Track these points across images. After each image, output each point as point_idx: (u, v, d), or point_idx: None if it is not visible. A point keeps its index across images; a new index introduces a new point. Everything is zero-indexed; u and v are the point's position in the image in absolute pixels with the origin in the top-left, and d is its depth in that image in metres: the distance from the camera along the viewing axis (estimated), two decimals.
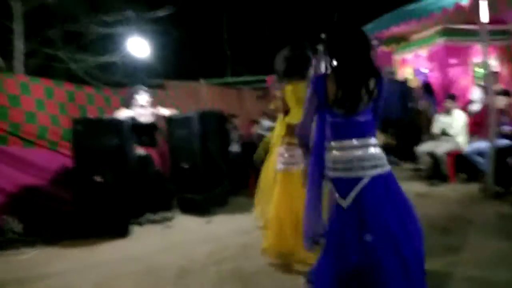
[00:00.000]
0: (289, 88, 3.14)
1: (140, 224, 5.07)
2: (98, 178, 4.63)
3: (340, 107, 2.18)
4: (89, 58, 7.51)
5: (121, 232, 4.64)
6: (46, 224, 4.89)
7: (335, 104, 2.18)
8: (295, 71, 3.16)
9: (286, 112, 3.23)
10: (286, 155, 3.25)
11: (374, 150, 2.20)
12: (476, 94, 6.57)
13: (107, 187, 4.63)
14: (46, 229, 4.74)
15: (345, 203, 2.15)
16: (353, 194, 2.13)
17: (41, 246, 4.36)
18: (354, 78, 2.16)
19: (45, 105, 5.43)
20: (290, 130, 3.17)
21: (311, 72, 3.17)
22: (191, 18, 14.79)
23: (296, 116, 3.09)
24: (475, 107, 6.50)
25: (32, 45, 6.93)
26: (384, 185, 2.16)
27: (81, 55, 7.52)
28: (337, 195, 2.18)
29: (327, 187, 2.30)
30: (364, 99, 2.16)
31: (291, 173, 3.20)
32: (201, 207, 5.39)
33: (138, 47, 7.30)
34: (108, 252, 4.13)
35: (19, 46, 6.78)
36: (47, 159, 5.28)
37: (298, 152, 2.99)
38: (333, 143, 2.24)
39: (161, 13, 7.40)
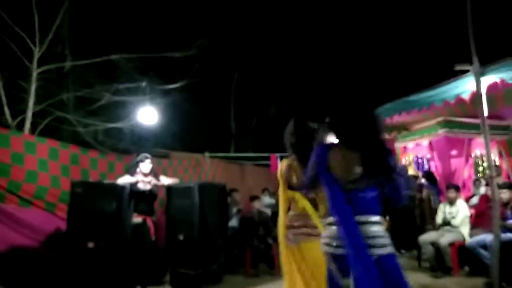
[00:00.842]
0: (295, 164, 2.91)
1: None
2: (90, 244, 4.49)
3: (350, 182, 2.13)
4: (98, 123, 7.66)
5: None
6: (33, 286, 4.67)
7: (344, 178, 2.14)
8: (305, 145, 2.85)
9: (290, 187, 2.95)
10: (300, 225, 2.87)
11: (378, 228, 2.11)
12: (481, 185, 6.58)
13: (99, 254, 4.48)
14: None
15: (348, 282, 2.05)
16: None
17: None
18: (374, 156, 2.13)
19: (48, 166, 5.43)
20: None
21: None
22: (201, 94, 15.34)
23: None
24: (476, 199, 6.48)
25: (43, 106, 7.13)
26: (388, 266, 2.07)
27: (90, 120, 7.69)
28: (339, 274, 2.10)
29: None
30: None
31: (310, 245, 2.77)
32: (193, 283, 5.16)
33: (148, 115, 7.48)
34: None
35: (30, 105, 6.97)
36: (42, 220, 5.17)
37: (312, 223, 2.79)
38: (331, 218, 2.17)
39: (174, 85, 7.69)
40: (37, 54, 6.99)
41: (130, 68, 8.45)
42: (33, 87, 6.93)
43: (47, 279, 4.76)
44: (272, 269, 6.26)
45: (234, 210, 7.26)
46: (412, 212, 7.44)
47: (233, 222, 7.11)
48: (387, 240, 2.12)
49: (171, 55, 7.88)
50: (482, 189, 6.54)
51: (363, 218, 2.10)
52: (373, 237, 2.07)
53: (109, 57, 7.16)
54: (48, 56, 7.18)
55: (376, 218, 2.14)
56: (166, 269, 5.67)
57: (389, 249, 2.11)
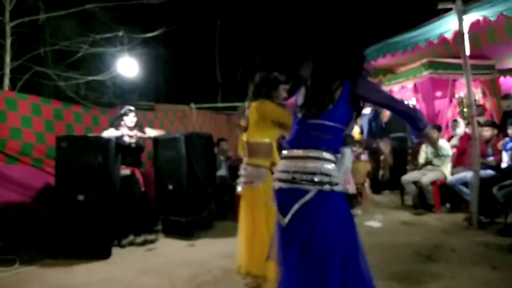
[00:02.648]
0: (253, 105, 3.14)
1: (122, 246, 4.98)
2: (80, 197, 4.56)
3: (302, 109, 2.07)
4: (78, 77, 7.50)
5: (102, 254, 4.53)
6: (25, 243, 4.78)
7: (299, 107, 2.10)
8: (260, 91, 3.18)
9: (246, 129, 3.24)
10: (244, 173, 3.23)
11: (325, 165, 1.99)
12: (458, 126, 6.70)
13: (89, 206, 4.55)
14: (25, 248, 4.63)
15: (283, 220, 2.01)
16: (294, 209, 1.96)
17: (19, 266, 4.22)
18: (317, 78, 2.08)
19: (31, 122, 5.38)
20: (249, 148, 3.19)
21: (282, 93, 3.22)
22: (183, 44, 15.00)
23: (253, 134, 3.16)
24: (456, 140, 6.62)
25: (20, 61, 6.93)
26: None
27: (70, 73, 7.52)
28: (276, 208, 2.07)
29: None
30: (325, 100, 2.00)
31: (250, 190, 3.16)
32: (185, 230, 5.31)
33: (128, 67, 7.34)
34: (87, 273, 4.02)
35: (7, 61, 6.78)
36: (30, 176, 5.19)
37: (256, 171, 3.10)
38: (284, 152, 2.13)
39: (152, 34, 7.47)
40: (8, 7, 6.70)
41: (107, 18, 8.17)
42: (8, 42, 6.70)
43: (38, 234, 4.86)
44: None
45: (223, 159, 7.34)
46: (401, 153, 7.59)
47: (222, 171, 7.22)
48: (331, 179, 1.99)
49: (148, 2, 7.58)
50: (460, 130, 6.65)
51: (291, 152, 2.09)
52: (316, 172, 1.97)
53: (84, 7, 6.88)
54: (21, 9, 6.88)
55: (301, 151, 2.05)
56: (157, 218, 5.81)
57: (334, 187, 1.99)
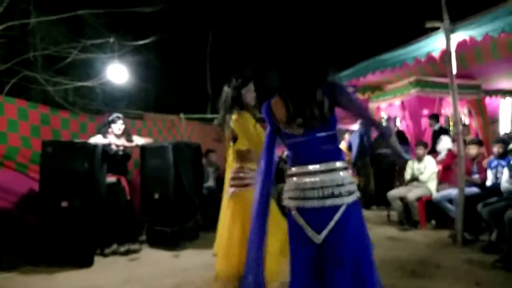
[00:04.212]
0: (233, 117, 3.17)
1: (105, 255, 4.90)
2: (64, 203, 4.49)
3: (295, 125, 2.04)
4: (67, 82, 7.43)
5: (85, 261, 4.47)
6: (6, 248, 4.67)
7: (288, 124, 2.05)
8: (230, 104, 3.24)
9: (234, 139, 3.25)
10: (236, 177, 3.22)
11: (343, 174, 2.02)
12: (444, 144, 6.78)
13: (73, 213, 4.49)
14: (6, 254, 4.52)
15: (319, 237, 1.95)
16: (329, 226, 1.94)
17: None
18: (298, 91, 2.03)
19: (18, 126, 5.30)
20: (240, 155, 3.22)
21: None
22: (175, 54, 15.03)
23: (243, 143, 3.18)
24: (442, 155, 6.70)
25: (9, 64, 6.85)
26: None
27: (59, 79, 7.46)
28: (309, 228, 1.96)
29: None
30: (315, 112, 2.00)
31: (242, 194, 3.15)
32: (170, 240, 5.26)
33: (118, 74, 7.31)
34: (68, 281, 3.96)
35: None
36: (14, 181, 5.10)
37: (249, 174, 3.11)
38: (294, 169, 2.09)
39: (143, 41, 7.47)
40: None
41: (98, 24, 8.15)
42: None
43: (20, 240, 4.76)
44: None
45: (211, 170, 7.31)
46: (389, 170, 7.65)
47: (210, 182, 7.19)
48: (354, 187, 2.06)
49: (141, 10, 7.59)
50: (443, 146, 6.74)
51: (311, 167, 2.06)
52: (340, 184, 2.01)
53: (76, 13, 6.86)
54: (11, 12, 6.83)
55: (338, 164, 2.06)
56: (142, 228, 5.74)
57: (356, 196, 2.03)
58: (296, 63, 2.09)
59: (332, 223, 1.93)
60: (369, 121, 2.13)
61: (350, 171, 7.99)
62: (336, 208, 1.94)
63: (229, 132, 3.25)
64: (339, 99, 2.01)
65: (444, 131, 7.58)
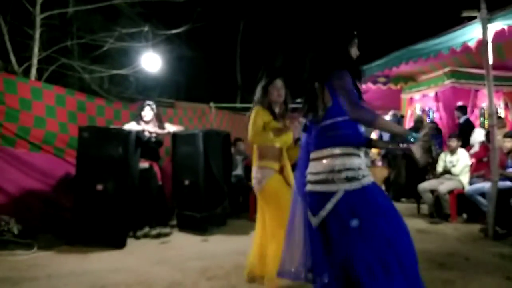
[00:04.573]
0: (258, 111, 3.16)
1: (137, 237, 5.07)
2: (99, 187, 4.66)
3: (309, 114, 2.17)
4: (102, 70, 7.65)
5: (118, 243, 4.62)
6: (44, 228, 4.92)
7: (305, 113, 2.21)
8: (257, 100, 3.26)
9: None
10: (259, 175, 3.16)
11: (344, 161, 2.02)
12: (477, 136, 6.61)
13: (107, 196, 4.65)
14: (44, 234, 4.76)
15: (315, 220, 2.03)
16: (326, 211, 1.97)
17: (37, 250, 4.35)
18: (305, 89, 2.19)
19: (55, 112, 5.53)
20: (259, 152, 3.19)
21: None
22: (206, 44, 15.14)
23: (260, 139, 3.14)
24: (476, 148, 6.54)
25: (48, 52, 7.11)
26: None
27: (95, 67, 7.69)
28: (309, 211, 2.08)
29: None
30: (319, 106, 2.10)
31: (261, 191, 3.16)
32: (199, 225, 5.37)
33: (151, 62, 7.46)
34: (102, 261, 4.11)
35: (35, 52, 6.97)
36: (52, 165, 5.35)
37: (263, 172, 3.12)
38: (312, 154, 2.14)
39: (176, 31, 7.58)
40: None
41: (133, 13, 8.33)
42: (37, 33, 6.88)
43: (57, 221, 4.99)
44: None
45: (239, 159, 7.40)
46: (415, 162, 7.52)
47: (238, 171, 7.27)
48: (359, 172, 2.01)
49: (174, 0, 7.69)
50: (476, 138, 6.57)
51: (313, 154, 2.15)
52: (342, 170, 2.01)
53: (111, 2, 7.03)
54: (51, 2, 7.08)
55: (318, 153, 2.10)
56: (173, 213, 5.89)
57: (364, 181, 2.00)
58: (306, 60, 2.23)
59: (328, 208, 1.95)
60: (353, 110, 1.97)
61: (379, 163, 7.95)
62: (331, 194, 1.96)
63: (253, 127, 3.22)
64: (333, 82, 2.04)
65: (469, 124, 7.37)
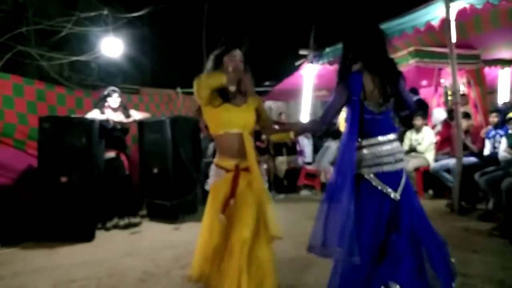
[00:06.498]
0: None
1: (106, 229, 4.95)
2: (63, 179, 4.50)
3: (376, 103, 2.25)
4: (62, 57, 7.33)
5: (86, 236, 4.52)
6: (7, 225, 4.71)
7: (371, 101, 2.24)
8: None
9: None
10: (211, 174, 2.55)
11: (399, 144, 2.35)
12: (438, 115, 6.77)
13: (73, 188, 4.51)
14: (7, 230, 4.57)
15: (396, 195, 2.19)
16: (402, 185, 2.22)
17: (1, 247, 4.20)
18: (389, 75, 2.26)
19: (13, 103, 5.27)
20: (216, 144, 2.54)
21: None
22: (170, 27, 14.78)
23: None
24: (438, 127, 6.70)
25: (2, 39, 6.71)
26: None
27: (53, 54, 7.34)
28: (388, 189, 2.20)
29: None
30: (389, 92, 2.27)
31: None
32: (170, 213, 5.30)
33: (113, 47, 7.20)
34: (70, 255, 4.00)
35: None
36: (12, 158, 5.12)
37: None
38: (372, 140, 2.26)
39: (137, 13, 7.31)
40: None
41: None
42: None
43: (21, 216, 4.80)
44: None
45: (211, 145, 7.29)
46: None
47: (209, 157, 7.18)
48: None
49: None
50: (440, 116, 6.73)
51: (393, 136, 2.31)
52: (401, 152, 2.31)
53: None
54: None
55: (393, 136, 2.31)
56: (142, 202, 5.79)
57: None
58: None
59: (403, 182, 2.23)
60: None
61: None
62: (402, 170, 2.27)
63: None
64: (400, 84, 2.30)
65: (422, 103, 7.52)
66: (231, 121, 2.40)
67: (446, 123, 6.40)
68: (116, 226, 5.01)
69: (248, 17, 15.91)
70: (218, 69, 2.52)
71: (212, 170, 2.51)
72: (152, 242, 4.38)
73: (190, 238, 4.40)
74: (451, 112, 5.91)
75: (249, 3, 15.65)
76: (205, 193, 6.36)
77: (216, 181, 2.47)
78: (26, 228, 4.58)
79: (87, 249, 4.22)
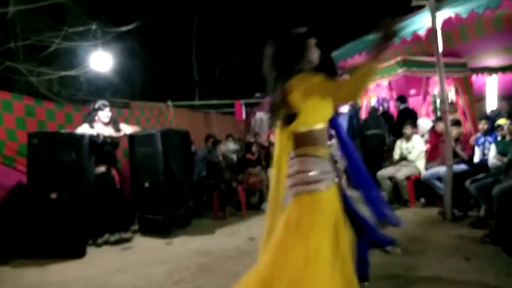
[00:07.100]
0: (293, 83, 1.95)
1: (97, 245, 4.88)
2: (53, 195, 4.44)
3: None
4: (51, 72, 7.28)
5: (77, 252, 4.45)
6: None
7: None
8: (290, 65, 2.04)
9: (290, 117, 1.97)
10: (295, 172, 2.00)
11: None
12: (424, 125, 6.84)
13: (63, 204, 4.46)
14: None
15: None
16: None
17: None
18: None
19: (2, 119, 5.21)
20: (298, 139, 2.02)
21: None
22: (160, 40, 14.81)
23: (309, 119, 1.98)
24: (426, 137, 6.76)
25: None
26: None
27: (42, 69, 7.30)
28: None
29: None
30: None
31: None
32: (162, 228, 5.25)
33: (102, 61, 7.19)
34: (61, 272, 3.94)
35: None
36: (0, 174, 5.03)
37: (313, 166, 1.97)
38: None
39: (126, 27, 7.31)
40: None
41: (80, 11, 7.99)
42: None
43: (11, 234, 4.71)
44: (239, 210, 6.45)
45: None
46: (377, 150, 7.68)
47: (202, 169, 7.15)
48: None
49: None
50: (426, 126, 6.80)
51: None
52: None
53: (56, 1, 6.67)
54: None
55: None
56: (134, 217, 5.72)
57: None
58: None
59: None
60: None
61: (339, 153, 8.06)
62: None
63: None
64: None
65: (409, 111, 7.60)
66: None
67: (434, 132, 6.46)
68: (107, 242, 4.94)
69: (238, 30, 16.03)
70: (301, 51, 2.07)
71: (312, 163, 1.97)
72: (144, 257, 4.32)
73: (183, 252, 4.39)
74: (436, 121, 5.97)
75: (238, 16, 15.75)
76: (198, 206, 6.32)
77: (329, 184, 1.96)
78: (17, 246, 4.49)
79: (78, 266, 4.15)
